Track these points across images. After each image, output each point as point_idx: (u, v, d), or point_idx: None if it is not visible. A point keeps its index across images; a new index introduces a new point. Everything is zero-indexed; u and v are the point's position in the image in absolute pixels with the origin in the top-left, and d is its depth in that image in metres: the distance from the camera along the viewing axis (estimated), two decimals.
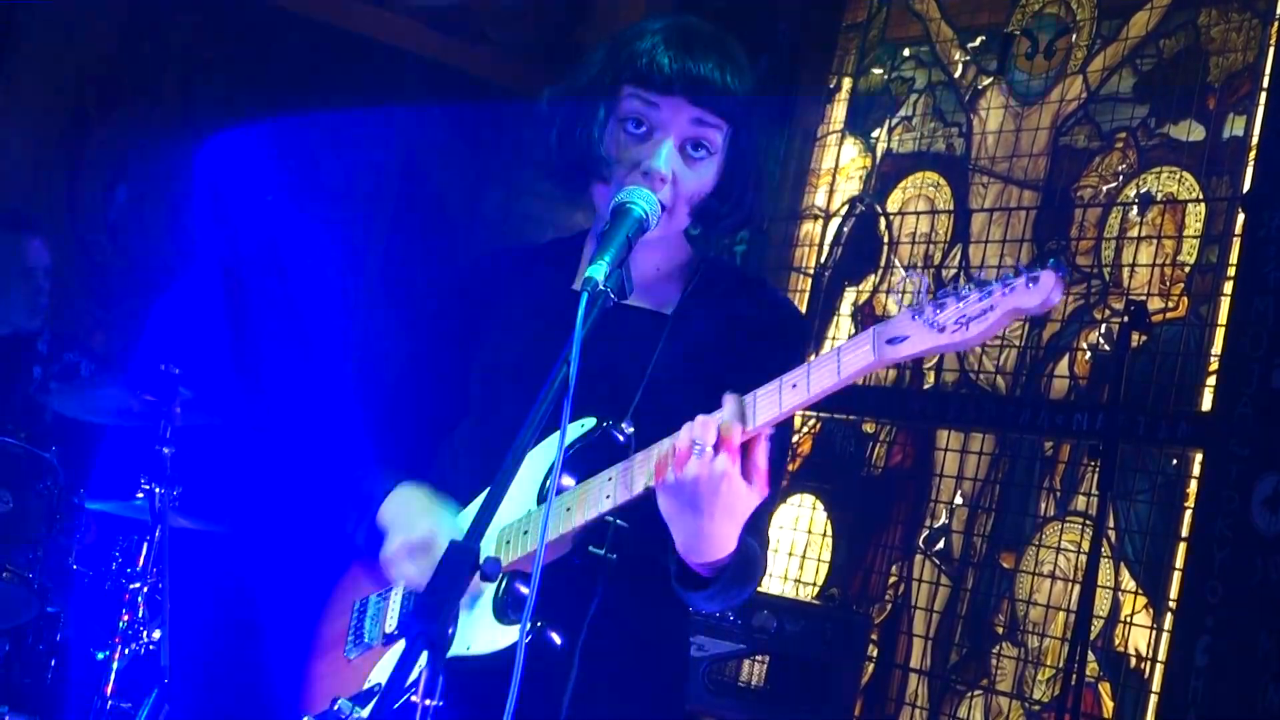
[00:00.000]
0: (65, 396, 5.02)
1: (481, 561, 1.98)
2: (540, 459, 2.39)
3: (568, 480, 2.34)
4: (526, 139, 6.65)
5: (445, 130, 6.88)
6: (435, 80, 6.67)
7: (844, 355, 2.08)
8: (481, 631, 2.32)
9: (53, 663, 4.47)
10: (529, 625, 2.12)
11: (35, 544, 4.37)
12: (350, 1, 6.25)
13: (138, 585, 4.32)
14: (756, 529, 2.44)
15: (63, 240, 5.97)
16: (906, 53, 6.31)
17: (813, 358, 2.14)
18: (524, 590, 2.29)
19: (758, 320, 2.56)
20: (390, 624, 2.54)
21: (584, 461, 2.34)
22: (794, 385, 2.12)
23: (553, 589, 2.30)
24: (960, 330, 1.98)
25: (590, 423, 2.35)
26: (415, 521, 2.44)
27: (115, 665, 4.25)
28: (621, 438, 2.34)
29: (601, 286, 2.14)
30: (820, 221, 6.39)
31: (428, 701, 1.93)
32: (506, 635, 2.28)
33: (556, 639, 2.30)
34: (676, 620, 2.60)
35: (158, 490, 4.34)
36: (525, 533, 2.35)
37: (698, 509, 2.17)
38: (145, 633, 4.29)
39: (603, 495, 2.27)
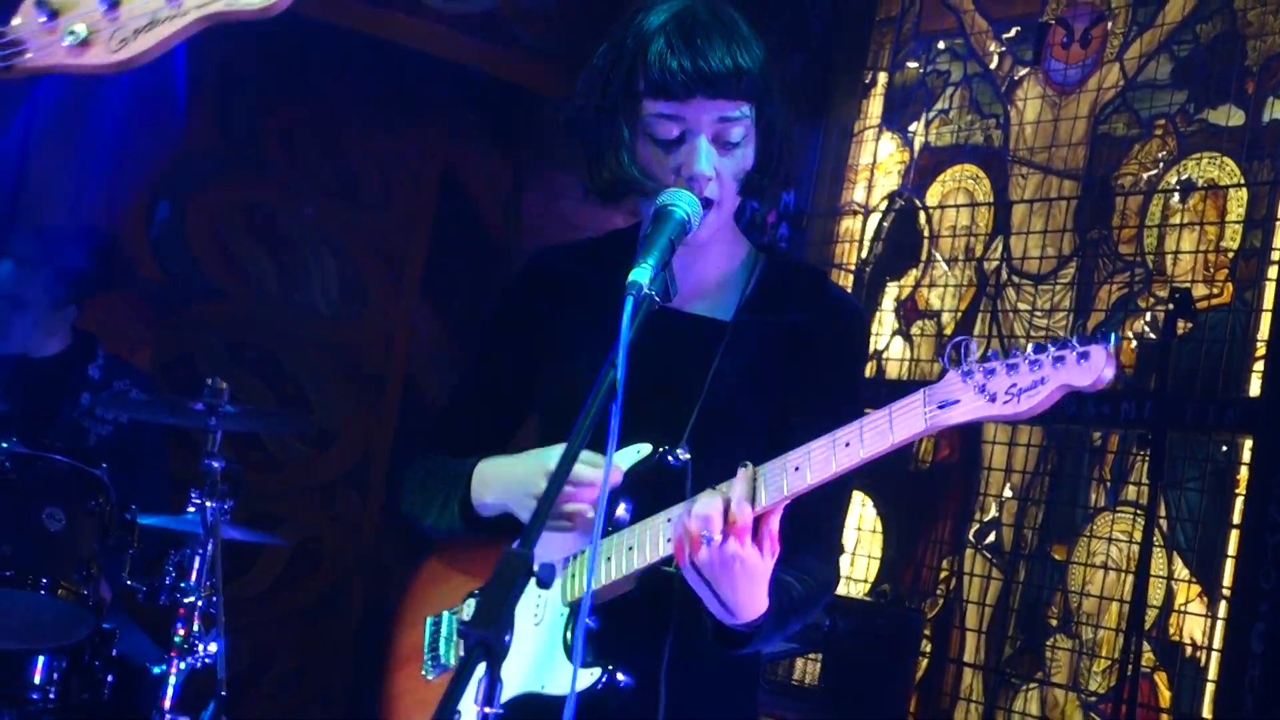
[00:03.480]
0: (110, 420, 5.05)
1: (536, 568, 1.97)
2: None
3: (621, 511, 2.33)
4: (561, 142, 6.66)
5: (482, 135, 6.90)
6: (468, 86, 6.68)
7: (893, 422, 2.08)
8: (555, 671, 2.33)
9: (110, 679, 4.49)
10: (600, 666, 2.15)
11: (88, 561, 4.37)
12: (381, 10, 6.26)
13: (192, 599, 4.33)
14: (819, 536, 2.43)
15: (105, 256, 6.00)
16: (941, 45, 6.28)
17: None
18: (592, 626, 2.29)
19: (817, 326, 2.52)
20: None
21: (641, 489, 2.33)
22: (796, 468, 2.11)
23: (625, 621, 2.31)
24: (1012, 402, 2.00)
25: (646, 449, 2.35)
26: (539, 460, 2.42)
27: (172, 679, 4.27)
28: (677, 463, 2.34)
29: (646, 290, 2.14)
30: (860, 217, 6.37)
31: (487, 710, 1.92)
32: (581, 677, 2.27)
33: (623, 678, 2.29)
34: None
35: (208, 504, 4.35)
36: None
37: (716, 585, 2.17)
38: (201, 646, 4.30)
39: (662, 538, 2.27)
